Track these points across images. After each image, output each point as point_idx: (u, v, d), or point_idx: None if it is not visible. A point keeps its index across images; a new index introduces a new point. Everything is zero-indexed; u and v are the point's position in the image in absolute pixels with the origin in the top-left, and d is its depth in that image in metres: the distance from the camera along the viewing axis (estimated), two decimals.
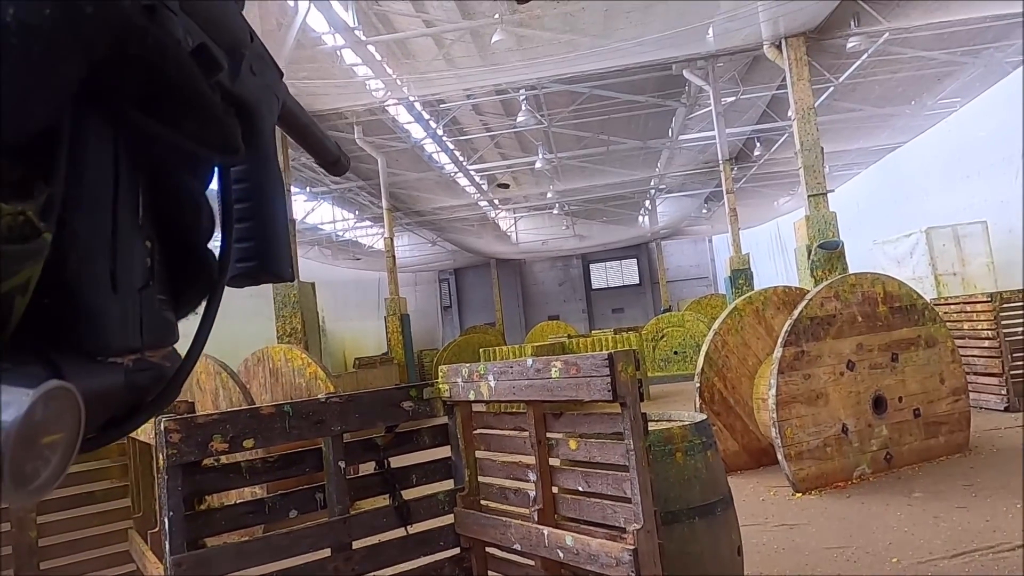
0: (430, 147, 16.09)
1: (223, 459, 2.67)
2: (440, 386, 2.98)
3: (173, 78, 0.42)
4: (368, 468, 3.08)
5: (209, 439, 2.50)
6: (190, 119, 0.46)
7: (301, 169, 15.29)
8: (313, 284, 10.79)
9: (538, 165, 16.55)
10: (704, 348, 6.29)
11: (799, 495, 5.19)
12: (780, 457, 5.30)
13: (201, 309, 0.54)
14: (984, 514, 4.31)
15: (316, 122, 0.76)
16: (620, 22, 9.51)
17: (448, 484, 3.08)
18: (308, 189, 17.46)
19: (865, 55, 11.04)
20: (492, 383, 2.72)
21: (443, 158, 16.77)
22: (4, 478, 0.31)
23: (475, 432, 3.04)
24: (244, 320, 10.88)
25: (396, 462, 3.02)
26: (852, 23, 9.88)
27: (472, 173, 18.02)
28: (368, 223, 22.38)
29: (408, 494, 3.00)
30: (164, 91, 0.43)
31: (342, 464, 2.76)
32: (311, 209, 19.50)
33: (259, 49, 0.58)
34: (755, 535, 4.33)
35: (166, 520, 2.43)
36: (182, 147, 0.47)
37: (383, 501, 2.98)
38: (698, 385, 6.13)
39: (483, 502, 3.00)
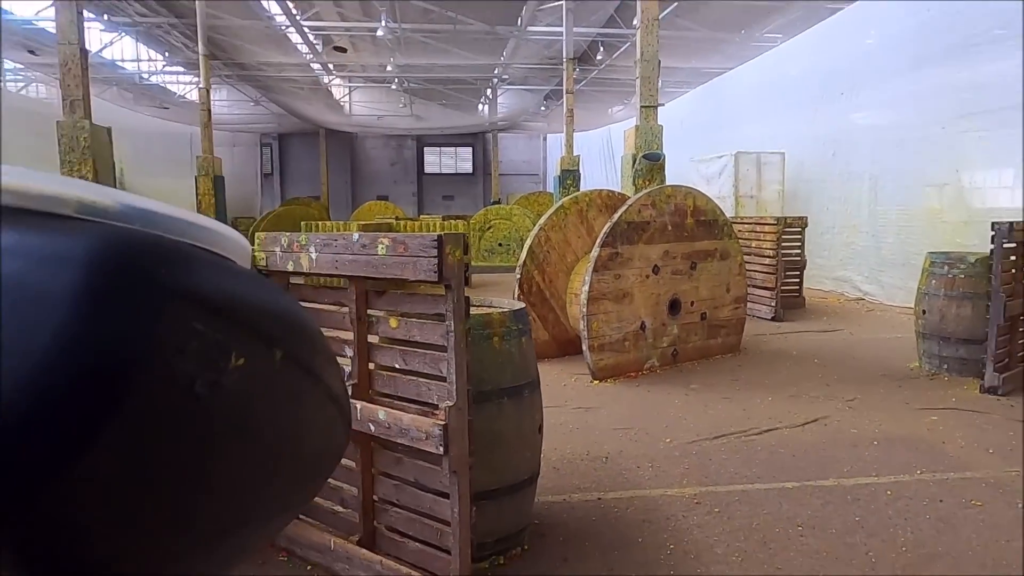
0: None
1: None
2: (256, 254, 2.78)
3: None
4: None
5: None
6: None
7: None
8: (109, 129, 9.44)
9: (379, 33, 15.45)
10: (528, 242, 6.48)
11: (596, 382, 5.69)
12: (585, 348, 5.73)
13: None
14: (742, 405, 5.03)
15: None
16: None
17: None
18: (106, 17, 14.94)
19: None
20: (313, 255, 2.58)
21: (273, 7, 15.04)
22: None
23: None
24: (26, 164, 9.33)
25: None
26: None
27: (306, 30, 16.43)
28: (180, 69, 19.82)
29: None
30: None
31: None
32: (109, 42, 16.81)
33: None
34: (555, 416, 4.70)
35: None
36: None
37: None
38: (519, 276, 6.36)
39: None
